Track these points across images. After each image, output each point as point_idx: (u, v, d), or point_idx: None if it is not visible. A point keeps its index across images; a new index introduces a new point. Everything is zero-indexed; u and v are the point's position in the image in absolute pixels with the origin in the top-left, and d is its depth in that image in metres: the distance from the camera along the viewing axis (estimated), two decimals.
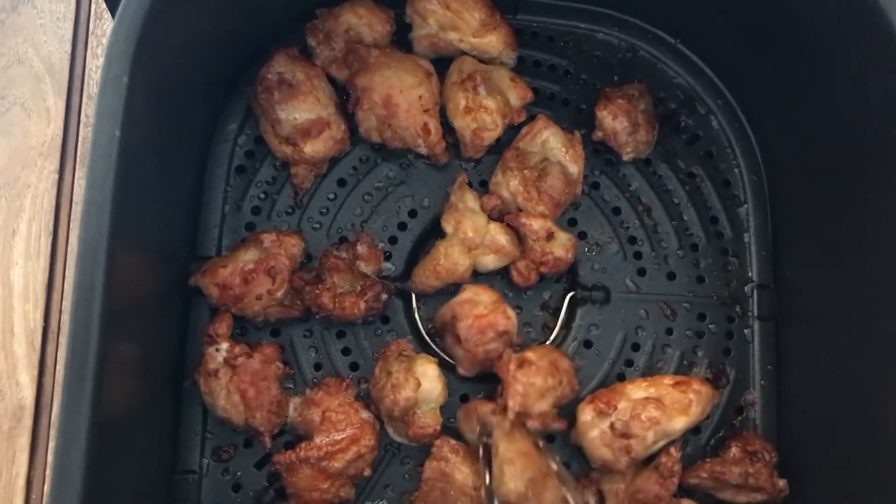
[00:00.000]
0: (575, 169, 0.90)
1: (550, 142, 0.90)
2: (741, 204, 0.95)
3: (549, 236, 0.88)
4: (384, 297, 0.85)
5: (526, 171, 0.89)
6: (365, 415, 0.83)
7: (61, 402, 0.61)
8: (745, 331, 0.92)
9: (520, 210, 0.89)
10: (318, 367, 0.88)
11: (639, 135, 0.92)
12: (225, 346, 0.82)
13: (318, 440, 0.80)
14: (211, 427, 0.85)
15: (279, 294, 0.84)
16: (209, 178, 0.90)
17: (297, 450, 0.80)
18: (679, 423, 0.84)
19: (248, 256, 0.84)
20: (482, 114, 0.89)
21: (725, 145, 0.97)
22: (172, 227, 0.85)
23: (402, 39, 0.92)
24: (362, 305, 0.84)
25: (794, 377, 0.90)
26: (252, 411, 0.81)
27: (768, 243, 0.94)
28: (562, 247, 0.88)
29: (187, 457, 0.84)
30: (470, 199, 0.89)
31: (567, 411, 0.87)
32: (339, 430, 0.81)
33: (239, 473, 0.85)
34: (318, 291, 0.84)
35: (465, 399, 0.88)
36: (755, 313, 0.93)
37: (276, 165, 0.91)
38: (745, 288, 0.93)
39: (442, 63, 0.92)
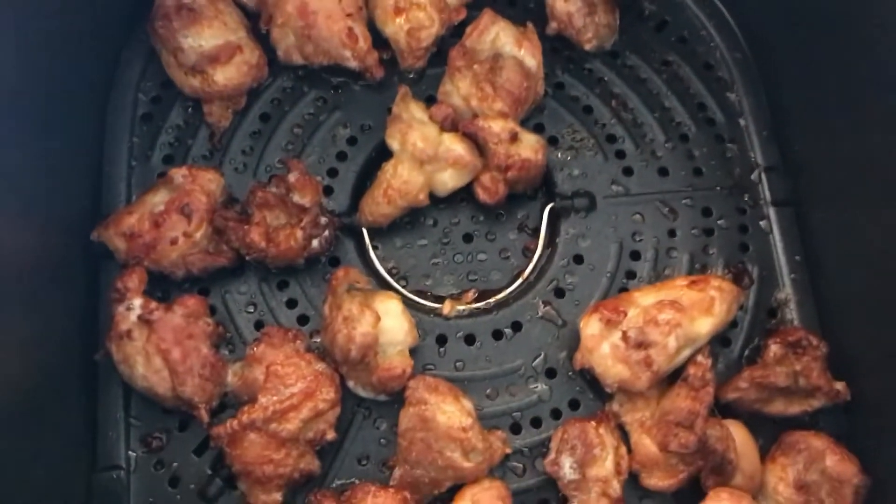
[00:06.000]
0: (533, 62, 0.78)
1: (501, 37, 0.78)
2: (730, 86, 0.83)
3: (513, 137, 0.74)
4: (323, 220, 0.71)
5: (476, 67, 0.76)
6: (320, 366, 0.67)
7: None
8: (760, 222, 0.78)
9: (475, 116, 0.76)
10: (259, 325, 0.73)
11: (597, 17, 0.80)
12: (138, 301, 0.67)
13: (263, 400, 0.65)
14: (135, 411, 0.70)
15: (198, 236, 0.70)
16: (110, 130, 0.77)
17: (239, 415, 0.64)
18: (704, 326, 0.69)
19: (158, 198, 0.71)
20: (414, 11, 0.77)
21: (699, 27, 0.85)
22: (67, 185, 0.72)
23: None
24: (299, 234, 0.70)
25: (827, 264, 0.76)
26: (180, 377, 0.65)
27: (768, 123, 0.82)
28: (529, 147, 0.75)
29: (110, 450, 0.69)
30: (416, 109, 0.76)
31: (570, 336, 0.73)
32: (288, 385, 0.65)
33: (175, 464, 0.69)
34: (245, 229, 0.70)
35: (442, 341, 0.73)
36: (768, 199, 0.79)
37: (188, 108, 0.79)
38: (752, 174, 0.80)
39: None
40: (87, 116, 0.76)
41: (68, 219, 0.71)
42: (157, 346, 0.66)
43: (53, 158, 0.70)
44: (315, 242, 0.71)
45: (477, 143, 0.75)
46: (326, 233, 0.72)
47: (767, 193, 0.79)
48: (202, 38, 0.75)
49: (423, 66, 0.80)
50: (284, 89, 0.80)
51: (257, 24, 0.79)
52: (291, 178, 0.72)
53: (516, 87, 0.76)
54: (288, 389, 0.65)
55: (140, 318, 0.66)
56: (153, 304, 0.67)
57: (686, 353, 0.69)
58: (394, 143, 0.75)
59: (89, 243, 0.72)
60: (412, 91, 0.78)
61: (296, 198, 0.72)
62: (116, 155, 0.77)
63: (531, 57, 0.78)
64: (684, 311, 0.69)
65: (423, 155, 0.74)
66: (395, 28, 0.77)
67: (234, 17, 0.78)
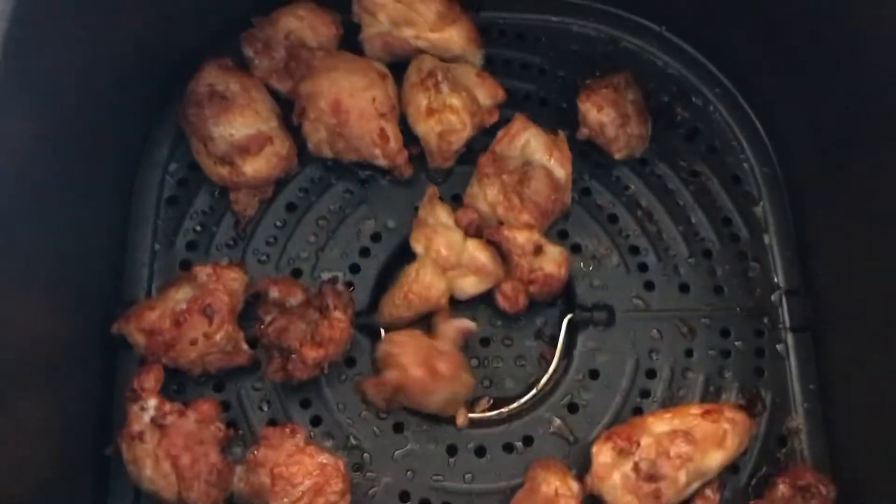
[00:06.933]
0: (562, 173, 0.78)
1: (531, 144, 0.78)
2: (756, 201, 0.83)
3: (538, 250, 0.75)
4: (339, 289, 0.72)
5: (505, 177, 0.76)
6: (323, 458, 0.68)
7: None
8: (777, 346, 0.78)
9: (500, 223, 0.76)
10: (272, 423, 0.73)
11: (630, 128, 0.80)
12: (153, 402, 0.67)
13: None
14: (145, 502, 0.70)
15: (218, 337, 0.70)
16: (135, 211, 0.77)
17: None
18: (715, 459, 0.70)
19: (181, 295, 0.71)
20: (447, 114, 0.77)
21: (730, 137, 0.85)
22: (90, 267, 0.72)
23: (351, 44, 0.81)
24: (334, 317, 0.70)
25: (842, 396, 0.76)
26: (187, 482, 0.66)
27: (792, 243, 0.81)
28: (553, 261, 0.75)
29: None
30: (442, 214, 0.76)
31: (580, 454, 0.73)
32: (296, 485, 0.66)
33: None
34: (300, 356, 0.70)
35: (452, 451, 0.73)
36: (787, 324, 0.79)
37: (215, 193, 0.79)
38: (772, 296, 0.80)
39: (399, 69, 0.81)
40: (112, 197, 0.76)
41: (88, 302, 0.71)
42: (167, 451, 0.66)
43: (76, 239, 0.69)
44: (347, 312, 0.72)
45: (500, 251, 0.76)
46: (343, 292, 0.72)
47: (787, 318, 0.79)
48: (233, 126, 0.75)
49: (452, 165, 0.80)
50: (312, 179, 0.80)
51: (289, 113, 0.78)
52: (272, 294, 0.72)
53: (544, 199, 0.76)
54: (297, 489, 0.66)
55: (153, 420, 0.67)
56: (167, 407, 0.67)
57: (695, 485, 0.70)
58: (418, 247, 0.75)
59: (107, 330, 0.71)
60: (439, 189, 0.78)
61: (291, 302, 0.72)
62: (140, 239, 0.77)
63: (560, 167, 0.77)
64: (696, 444, 0.69)
65: (446, 262, 0.74)
66: (427, 129, 0.77)
67: (267, 105, 0.77)
